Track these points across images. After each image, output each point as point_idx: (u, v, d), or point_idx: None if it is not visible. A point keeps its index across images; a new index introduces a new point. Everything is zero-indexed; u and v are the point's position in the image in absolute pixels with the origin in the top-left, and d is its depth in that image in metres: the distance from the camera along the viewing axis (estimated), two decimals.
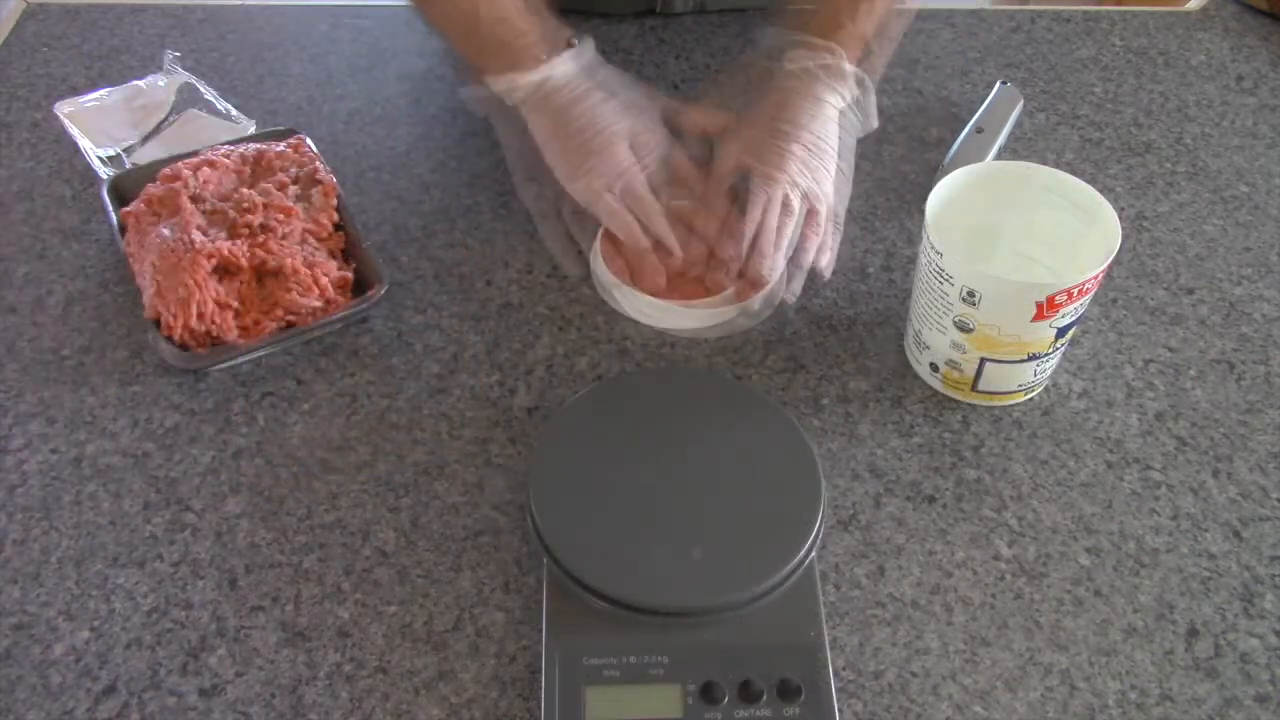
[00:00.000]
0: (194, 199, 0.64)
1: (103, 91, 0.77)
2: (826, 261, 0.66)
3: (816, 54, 0.66)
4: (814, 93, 0.65)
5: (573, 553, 0.49)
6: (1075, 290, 0.53)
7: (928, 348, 0.60)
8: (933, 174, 0.76)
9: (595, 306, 0.66)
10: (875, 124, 0.69)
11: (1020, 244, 0.63)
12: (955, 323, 0.57)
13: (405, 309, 0.66)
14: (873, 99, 0.68)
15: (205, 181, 0.65)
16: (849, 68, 0.66)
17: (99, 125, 0.75)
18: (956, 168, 0.60)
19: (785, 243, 0.64)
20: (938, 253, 0.55)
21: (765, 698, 0.46)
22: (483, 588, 0.53)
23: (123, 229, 0.65)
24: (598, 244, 0.67)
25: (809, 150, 0.64)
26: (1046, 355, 0.58)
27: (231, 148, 0.68)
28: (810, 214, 0.65)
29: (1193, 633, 0.52)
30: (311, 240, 0.65)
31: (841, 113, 0.67)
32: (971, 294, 0.55)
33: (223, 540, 0.54)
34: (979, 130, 0.77)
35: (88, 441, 0.58)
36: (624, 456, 0.53)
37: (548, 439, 0.54)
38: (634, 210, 0.65)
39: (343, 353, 0.63)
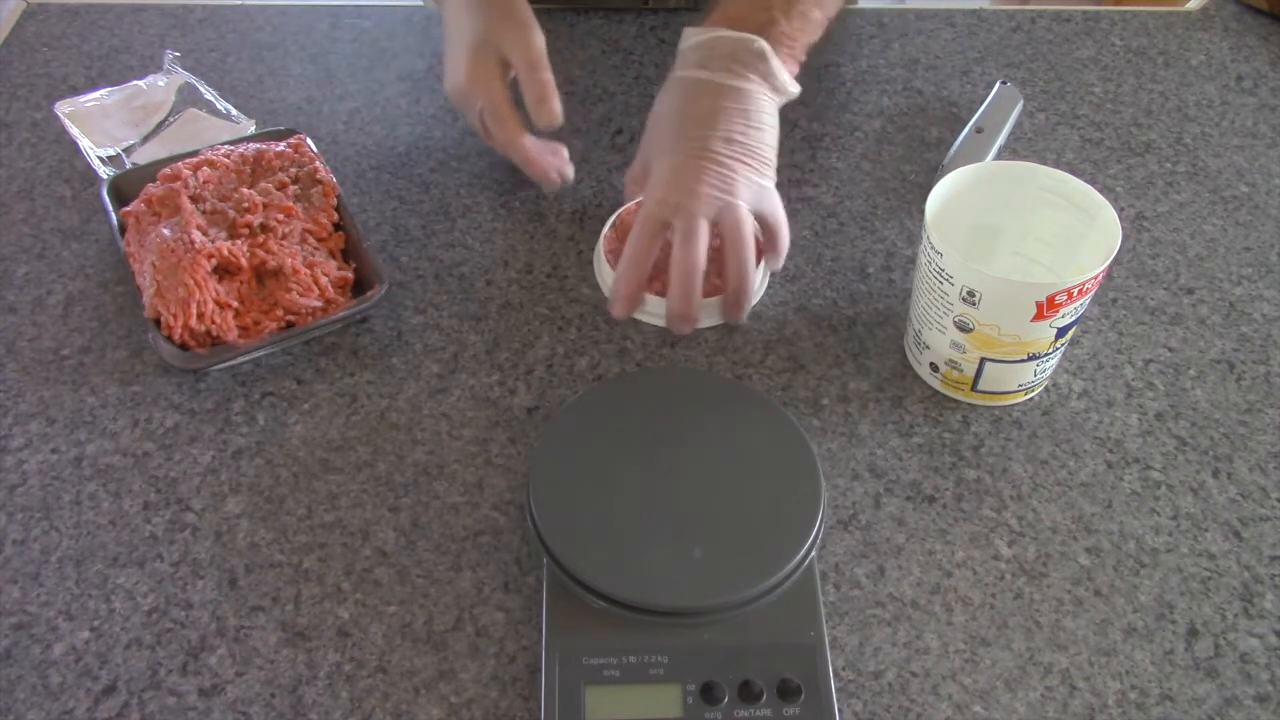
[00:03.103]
0: (194, 199, 0.64)
1: (103, 91, 0.77)
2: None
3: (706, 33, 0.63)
4: (694, 81, 0.63)
5: (573, 553, 0.49)
6: (1075, 290, 0.53)
7: (928, 348, 0.60)
8: (933, 174, 0.76)
9: (595, 307, 0.66)
10: (794, 91, 0.65)
11: (1020, 244, 0.63)
12: (955, 323, 0.57)
13: (405, 309, 0.66)
14: (775, 64, 0.63)
15: (205, 181, 0.65)
16: (735, 36, 0.62)
17: (99, 125, 0.75)
18: (956, 168, 0.60)
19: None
20: (938, 253, 0.55)
21: (765, 698, 0.46)
22: (483, 588, 0.53)
23: (123, 229, 0.65)
24: (601, 242, 0.67)
25: (717, 161, 0.60)
26: (1046, 355, 0.58)
27: (231, 148, 0.68)
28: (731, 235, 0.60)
29: (1193, 633, 0.52)
30: (311, 240, 0.65)
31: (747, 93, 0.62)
32: (971, 294, 0.55)
33: (223, 540, 0.54)
34: (979, 130, 0.77)
35: (88, 441, 0.58)
36: (624, 456, 0.53)
37: (548, 439, 0.54)
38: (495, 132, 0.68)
39: (343, 353, 0.63)
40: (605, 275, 0.66)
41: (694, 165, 0.60)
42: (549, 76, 0.66)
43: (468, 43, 0.67)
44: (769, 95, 0.64)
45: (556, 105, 0.66)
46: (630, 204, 0.69)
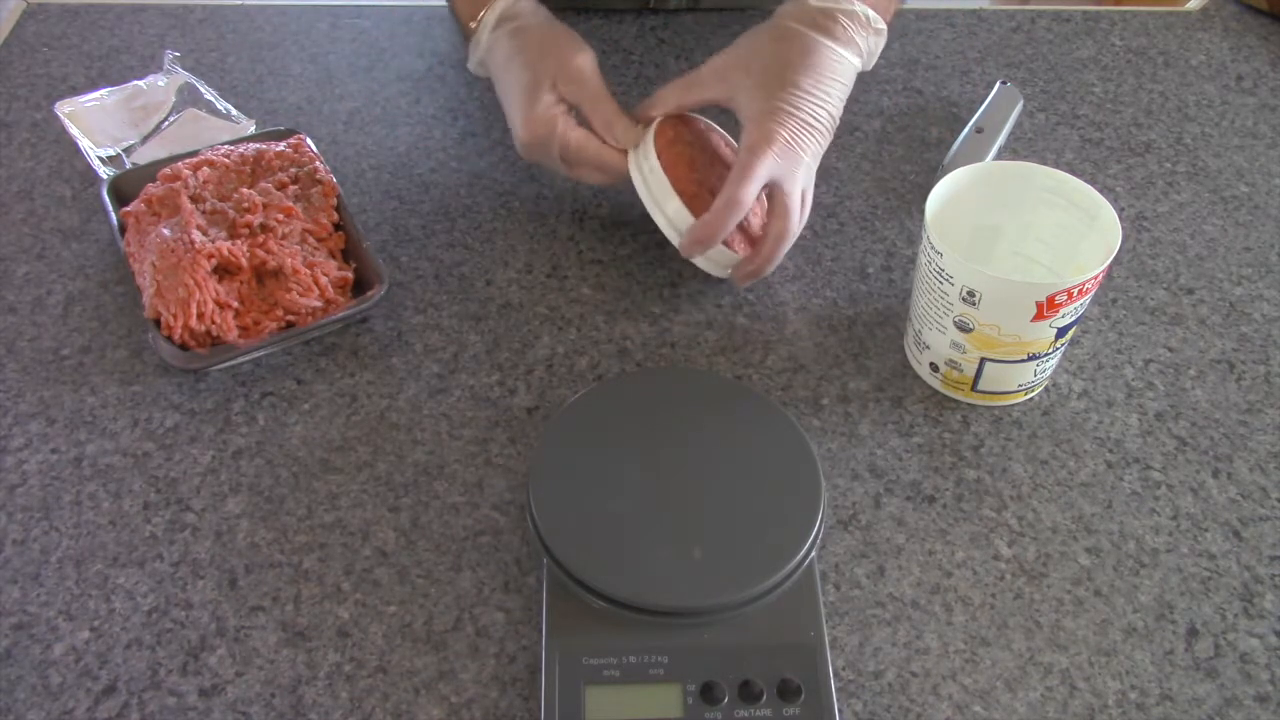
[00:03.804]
0: (194, 199, 0.64)
1: (103, 91, 0.77)
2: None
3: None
4: (822, 44, 0.63)
5: (573, 553, 0.49)
6: (1075, 290, 0.53)
7: (928, 348, 0.60)
8: (933, 174, 0.76)
9: (595, 307, 0.66)
10: (871, 66, 0.67)
11: (1020, 244, 0.63)
12: (955, 323, 0.57)
13: (405, 309, 0.66)
14: (883, 42, 0.66)
15: (205, 181, 0.65)
16: (862, 8, 0.64)
17: (99, 125, 0.75)
18: (956, 168, 0.60)
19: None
20: (938, 253, 0.55)
21: (765, 698, 0.46)
22: (483, 588, 0.53)
23: (123, 229, 0.65)
24: (652, 157, 0.63)
25: (802, 125, 0.62)
26: (1046, 355, 0.58)
27: (231, 148, 0.68)
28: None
29: (1193, 633, 0.52)
30: (311, 240, 0.65)
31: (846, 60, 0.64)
32: (971, 294, 0.55)
33: (223, 540, 0.54)
34: (979, 130, 0.77)
35: (88, 441, 0.58)
36: (624, 456, 0.53)
37: (548, 439, 0.54)
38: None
39: (343, 353, 0.63)
40: (660, 190, 0.62)
41: (807, 135, 0.62)
42: (608, 101, 0.64)
43: (520, 92, 0.64)
44: (857, 71, 0.66)
45: (629, 126, 0.64)
46: (659, 128, 0.65)
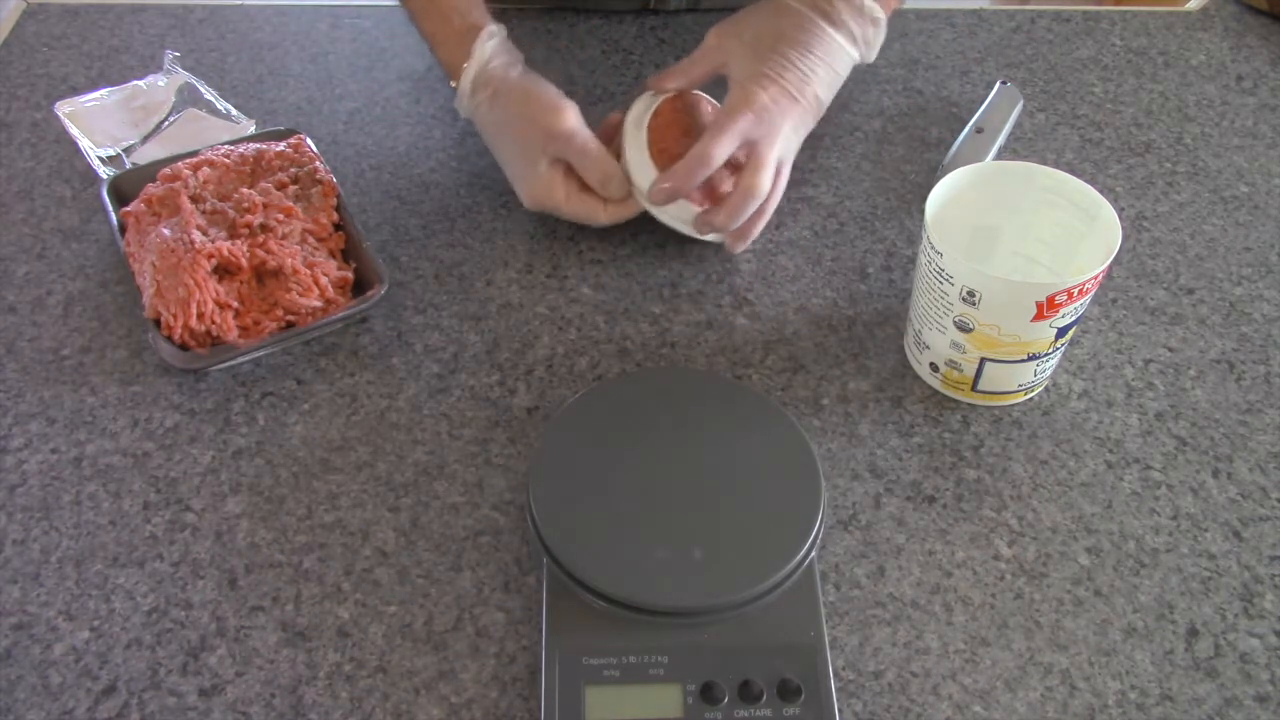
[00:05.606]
0: (194, 199, 0.64)
1: (103, 91, 0.77)
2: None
3: None
4: (817, 24, 0.65)
5: (573, 553, 0.49)
6: (1075, 290, 0.53)
7: (928, 348, 0.60)
8: (933, 174, 0.76)
9: (595, 307, 0.66)
10: (872, 59, 0.68)
11: (1020, 244, 0.63)
12: (955, 323, 0.57)
13: (405, 309, 0.66)
14: (881, 35, 0.67)
15: (205, 181, 0.65)
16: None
17: (99, 125, 0.75)
18: (956, 168, 0.60)
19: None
20: (938, 253, 0.55)
21: (765, 698, 0.46)
22: (483, 588, 0.53)
23: (123, 229, 0.65)
24: (643, 133, 0.66)
25: (784, 93, 0.63)
26: (1046, 355, 0.58)
27: (231, 148, 0.68)
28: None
29: (1193, 633, 0.52)
30: (311, 240, 0.65)
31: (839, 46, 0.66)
32: (971, 294, 0.55)
33: (223, 540, 0.54)
34: (979, 130, 0.77)
35: (88, 441, 0.58)
36: (624, 456, 0.53)
37: (548, 439, 0.54)
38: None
39: (343, 353, 0.63)
40: (638, 161, 0.65)
41: (789, 104, 0.64)
42: (598, 157, 0.65)
43: (515, 164, 0.67)
44: (854, 62, 0.67)
45: (619, 185, 0.66)
46: (668, 96, 0.68)
